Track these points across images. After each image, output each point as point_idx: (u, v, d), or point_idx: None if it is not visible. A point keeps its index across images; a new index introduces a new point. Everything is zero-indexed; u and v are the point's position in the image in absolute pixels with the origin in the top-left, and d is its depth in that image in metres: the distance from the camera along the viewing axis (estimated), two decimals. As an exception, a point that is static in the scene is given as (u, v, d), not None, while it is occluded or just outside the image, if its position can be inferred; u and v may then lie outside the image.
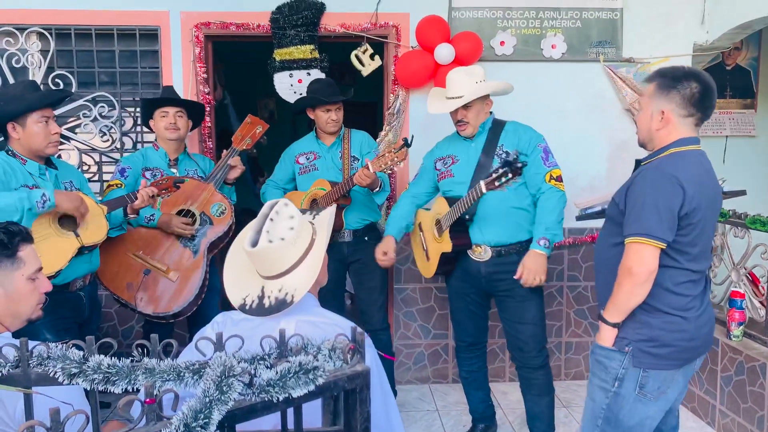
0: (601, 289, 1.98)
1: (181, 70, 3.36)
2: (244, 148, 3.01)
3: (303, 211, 1.64)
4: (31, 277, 1.51)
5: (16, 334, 2.29)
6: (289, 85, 3.38)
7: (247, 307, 1.50)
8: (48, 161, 2.40)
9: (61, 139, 3.34)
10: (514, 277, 2.48)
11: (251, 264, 1.56)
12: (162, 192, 2.60)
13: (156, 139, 2.99)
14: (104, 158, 3.43)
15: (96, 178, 3.45)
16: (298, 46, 3.32)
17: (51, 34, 3.28)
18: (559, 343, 3.75)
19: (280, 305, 1.45)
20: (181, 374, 1.02)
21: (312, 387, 0.97)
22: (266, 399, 0.93)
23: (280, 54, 3.34)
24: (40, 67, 3.30)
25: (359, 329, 1.11)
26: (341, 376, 1.01)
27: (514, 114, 2.96)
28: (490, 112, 2.69)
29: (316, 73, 3.36)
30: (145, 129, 3.31)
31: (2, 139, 2.36)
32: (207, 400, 0.87)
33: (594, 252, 2.06)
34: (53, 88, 3.28)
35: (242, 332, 1.47)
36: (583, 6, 3.49)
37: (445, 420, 3.25)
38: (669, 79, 1.83)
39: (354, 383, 1.02)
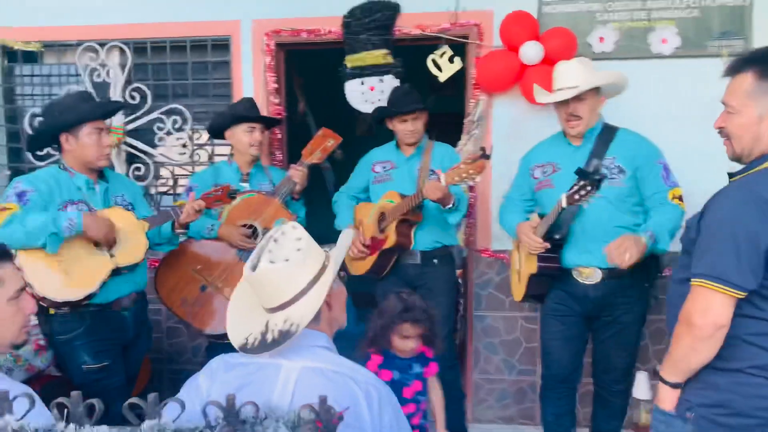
0: (671, 333, 1.59)
1: (252, 81, 3.24)
2: (315, 161, 2.83)
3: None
4: (12, 298, 1.36)
5: (58, 357, 2.24)
6: (361, 93, 3.14)
7: (249, 347, 1.26)
8: (100, 174, 2.33)
9: (139, 153, 3.37)
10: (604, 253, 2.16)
11: (256, 298, 1.32)
12: (213, 204, 2.45)
13: (231, 153, 2.90)
14: (178, 171, 3.39)
15: (171, 191, 3.42)
16: (371, 51, 3.08)
17: (129, 48, 3.29)
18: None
19: (284, 337, 1.21)
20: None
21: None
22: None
23: (351, 60, 3.12)
24: (118, 81, 3.32)
25: (329, 401, 0.81)
26: (292, 474, 0.72)
27: (617, 121, 2.54)
28: (600, 115, 2.41)
29: (389, 80, 3.10)
30: (216, 141, 3.21)
31: (58, 154, 2.32)
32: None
33: (668, 286, 1.68)
34: (130, 101, 3.29)
35: (232, 381, 1.22)
36: (702, -8, 2.96)
37: (528, 470, 2.84)
38: None
39: (310, 484, 0.73)
